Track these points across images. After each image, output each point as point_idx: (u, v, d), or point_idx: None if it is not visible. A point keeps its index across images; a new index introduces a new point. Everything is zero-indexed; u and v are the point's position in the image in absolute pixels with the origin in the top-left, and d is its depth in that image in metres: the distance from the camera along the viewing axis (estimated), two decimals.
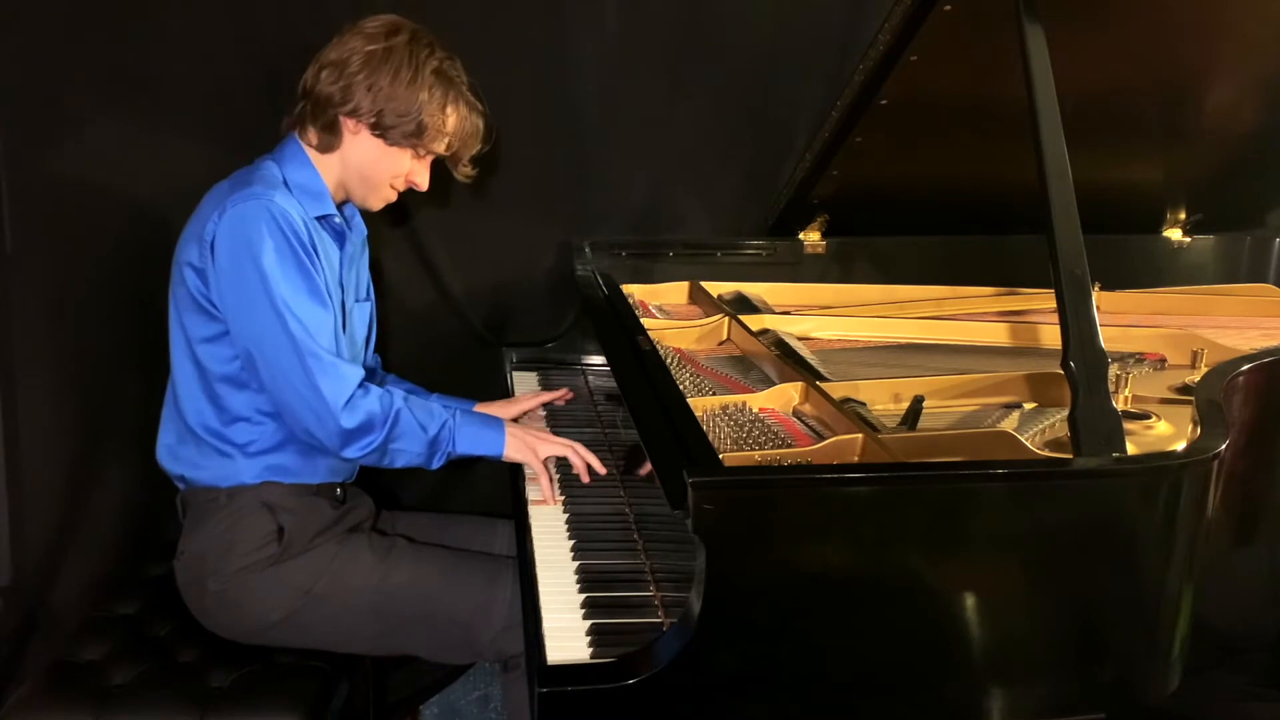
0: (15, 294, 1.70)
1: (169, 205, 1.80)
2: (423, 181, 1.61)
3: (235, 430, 1.53)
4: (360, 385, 1.49)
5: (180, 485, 1.61)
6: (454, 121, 1.56)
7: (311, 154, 1.56)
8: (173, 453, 1.59)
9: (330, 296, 1.51)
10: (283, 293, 1.43)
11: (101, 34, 1.75)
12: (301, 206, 1.50)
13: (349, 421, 1.46)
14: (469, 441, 1.57)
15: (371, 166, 1.56)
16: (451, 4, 1.90)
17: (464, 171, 1.66)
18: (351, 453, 1.49)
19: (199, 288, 1.47)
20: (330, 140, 1.54)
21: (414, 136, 1.53)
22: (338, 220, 1.59)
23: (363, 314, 1.71)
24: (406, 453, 1.53)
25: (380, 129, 1.52)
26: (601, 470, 1.58)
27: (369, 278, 1.76)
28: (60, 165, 1.75)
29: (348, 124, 1.52)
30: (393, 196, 1.62)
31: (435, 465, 1.56)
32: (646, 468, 1.65)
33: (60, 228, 1.75)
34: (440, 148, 1.58)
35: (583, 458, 1.58)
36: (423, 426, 1.53)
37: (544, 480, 1.57)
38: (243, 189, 1.45)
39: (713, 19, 2.01)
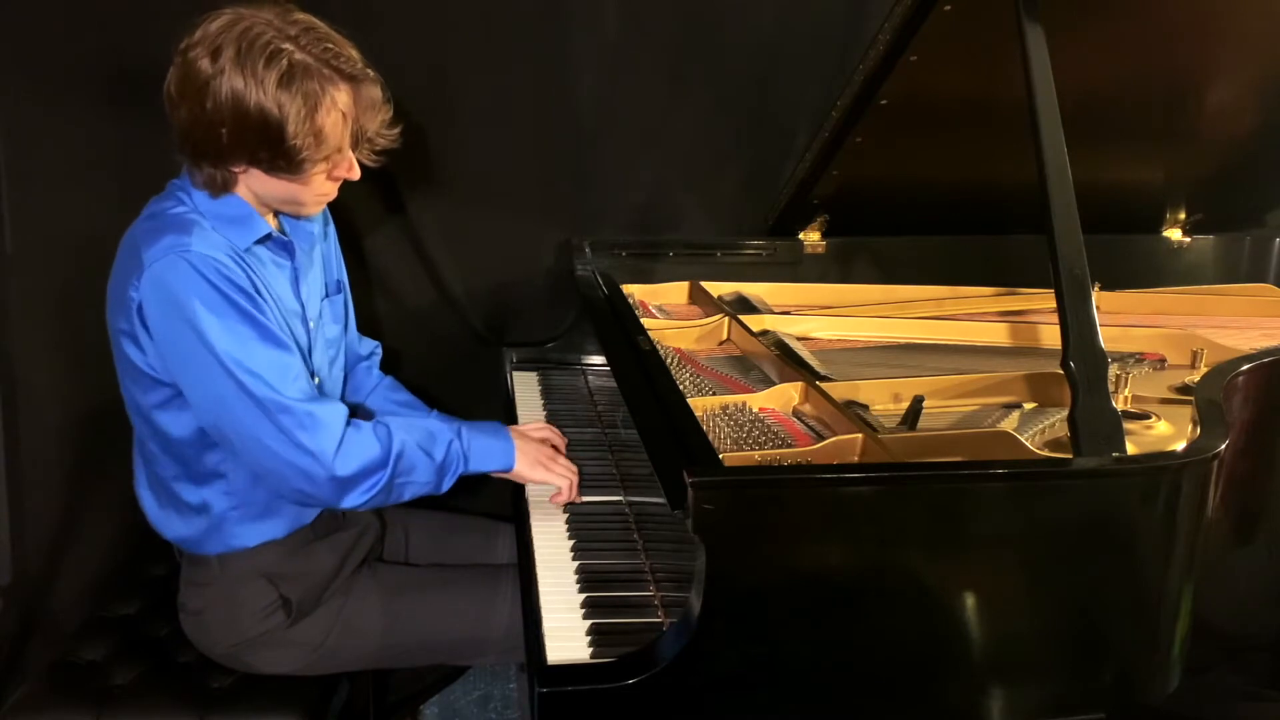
0: (15, 294, 1.70)
1: None
2: (353, 173, 1.36)
3: (213, 492, 1.42)
4: (348, 423, 1.35)
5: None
6: (332, 121, 1.28)
7: None
8: (158, 515, 1.48)
9: (290, 327, 1.39)
10: (229, 350, 1.26)
11: (101, 34, 1.76)
12: (228, 240, 1.32)
13: (344, 469, 1.32)
14: (481, 457, 1.46)
15: (282, 192, 1.35)
16: (451, 5, 1.90)
17: (377, 148, 1.36)
18: (353, 500, 1.34)
19: (138, 355, 1.33)
20: (222, 182, 1.32)
21: (297, 168, 1.29)
22: (277, 236, 1.41)
23: (335, 309, 1.56)
24: (415, 484, 1.40)
25: (261, 166, 1.30)
26: (575, 497, 1.54)
27: (339, 264, 1.62)
28: (60, 165, 1.75)
29: (231, 170, 1.32)
30: (328, 199, 1.42)
31: (445, 488, 1.44)
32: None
33: (60, 228, 1.75)
34: (330, 155, 1.31)
35: (573, 492, 1.52)
36: (428, 452, 1.40)
37: (565, 494, 1.52)
38: (155, 241, 1.27)
39: (713, 19, 2.01)
